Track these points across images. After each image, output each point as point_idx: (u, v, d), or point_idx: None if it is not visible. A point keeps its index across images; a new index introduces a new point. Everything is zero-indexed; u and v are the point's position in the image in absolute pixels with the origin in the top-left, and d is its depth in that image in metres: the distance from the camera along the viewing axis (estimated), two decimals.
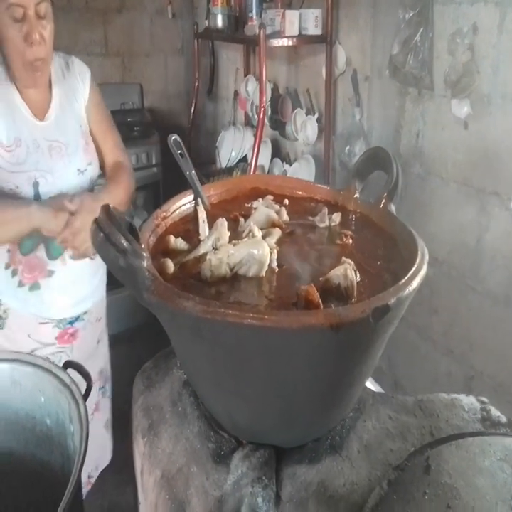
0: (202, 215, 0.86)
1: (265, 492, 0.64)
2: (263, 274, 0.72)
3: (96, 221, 0.62)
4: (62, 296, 1.50)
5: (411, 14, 1.77)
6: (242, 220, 0.86)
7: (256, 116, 2.49)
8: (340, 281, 0.67)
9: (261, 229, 0.81)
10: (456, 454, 0.58)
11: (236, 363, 0.63)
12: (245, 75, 2.96)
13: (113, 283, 1.60)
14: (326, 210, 0.89)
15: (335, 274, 0.67)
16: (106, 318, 1.71)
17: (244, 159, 2.90)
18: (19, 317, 1.48)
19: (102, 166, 1.56)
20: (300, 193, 0.98)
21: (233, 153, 2.92)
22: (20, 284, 1.44)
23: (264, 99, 2.24)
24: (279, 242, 0.80)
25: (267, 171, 2.63)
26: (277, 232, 0.83)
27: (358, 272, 0.69)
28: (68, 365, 0.96)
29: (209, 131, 3.60)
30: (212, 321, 0.57)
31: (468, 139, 1.68)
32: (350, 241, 0.82)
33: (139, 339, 2.07)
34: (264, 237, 0.79)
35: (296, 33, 2.24)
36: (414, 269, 0.66)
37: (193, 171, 0.93)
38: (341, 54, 2.23)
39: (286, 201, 0.94)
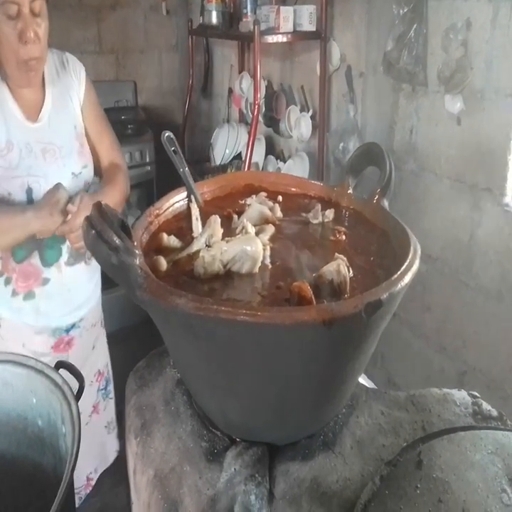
0: (195, 212, 0.86)
1: (258, 490, 0.64)
2: (256, 270, 0.72)
3: (88, 218, 0.62)
4: (57, 305, 1.46)
5: (405, 10, 1.77)
6: (235, 216, 0.86)
7: (250, 114, 2.48)
8: (333, 277, 0.67)
9: (254, 225, 0.81)
10: (447, 449, 0.58)
11: (229, 360, 0.63)
12: (240, 72, 2.95)
13: (108, 282, 1.59)
14: (319, 206, 0.89)
15: (328, 270, 0.67)
16: (103, 320, 1.68)
17: (238, 156, 2.90)
18: (13, 327, 1.43)
19: (96, 167, 1.52)
20: (294, 189, 0.98)
21: (227, 151, 2.92)
22: (14, 293, 1.40)
23: (259, 96, 2.23)
24: (272, 239, 0.80)
25: (261, 168, 2.62)
26: (270, 229, 0.83)
27: (350, 268, 0.69)
28: (60, 365, 0.95)
29: (203, 128, 3.59)
30: (205, 318, 0.57)
31: (462, 135, 1.68)
32: (344, 237, 0.82)
33: (134, 338, 2.06)
34: (257, 233, 0.79)
35: (291, 29, 2.23)
36: (406, 264, 0.66)
37: (187, 169, 0.93)
38: (336, 50, 2.23)
39: (280, 198, 0.94)
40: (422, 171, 1.86)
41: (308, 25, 2.22)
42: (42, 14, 1.26)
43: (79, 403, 1.54)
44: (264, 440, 0.71)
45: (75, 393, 0.87)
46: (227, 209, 0.89)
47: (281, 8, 2.21)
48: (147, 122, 3.31)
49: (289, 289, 0.64)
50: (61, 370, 0.94)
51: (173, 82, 3.71)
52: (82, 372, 1.52)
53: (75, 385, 0.92)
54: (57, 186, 1.28)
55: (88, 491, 1.67)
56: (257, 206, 0.88)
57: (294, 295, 0.63)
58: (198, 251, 0.74)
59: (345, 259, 0.69)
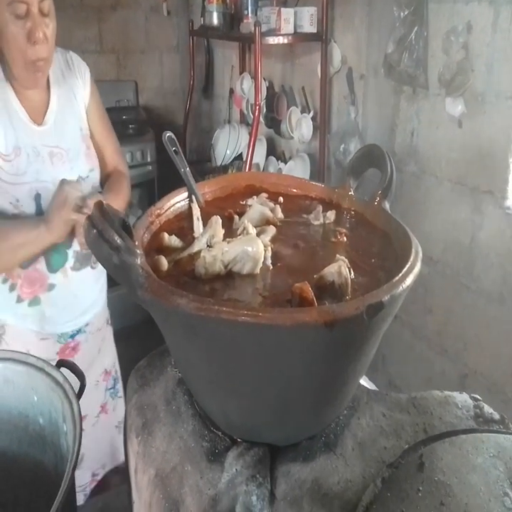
0: (196, 212, 0.86)
1: (259, 490, 0.64)
2: (257, 271, 0.71)
3: (89, 218, 0.62)
4: (63, 311, 1.44)
5: (406, 13, 1.78)
6: (236, 217, 0.86)
7: (251, 114, 2.49)
8: (335, 279, 0.67)
9: (255, 226, 0.81)
10: (449, 451, 0.58)
11: (230, 361, 0.63)
12: (240, 73, 2.96)
13: (109, 281, 1.59)
14: (320, 207, 0.89)
15: (329, 271, 0.67)
16: (109, 319, 1.67)
17: (239, 157, 2.90)
18: (18, 333, 1.41)
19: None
20: (295, 190, 0.98)
21: (228, 151, 2.92)
22: (19, 299, 1.38)
23: (260, 97, 2.24)
24: (273, 240, 0.80)
25: (262, 169, 2.63)
26: (272, 230, 0.82)
27: (352, 270, 0.69)
28: (61, 363, 0.95)
29: (204, 129, 3.60)
30: (206, 318, 0.56)
31: (463, 138, 1.68)
32: (345, 239, 0.82)
33: (135, 337, 2.06)
34: (258, 234, 0.79)
35: (292, 31, 2.24)
36: (408, 266, 0.66)
37: (188, 169, 0.93)
38: (336, 52, 2.23)
39: (281, 199, 0.94)
40: (423, 173, 1.86)
41: (309, 27, 2.23)
42: (50, 14, 1.25)
43: (86, 404, 1.55)
44: (266, 441, 0.71)
45: (76, 391, 0.87)
46: (228, 210, 0.89)
47: (282, 9, 2.22)
48: (148, 122, 3.31)
49: (290, 290, 0.64)
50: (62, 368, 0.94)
51: (174, 82, 3.71)
52: (87, 373, 1.52)
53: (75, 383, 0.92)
54: (61, 183, 1.25)
55: (93, 487, 1.67)
56: (258, 207, 0.88)
57: (295, 296, 0.63)
58: (199, 251, 0.73)
59: (346, 260, 0.69)
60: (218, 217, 0.80)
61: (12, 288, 1.37)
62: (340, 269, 0.67)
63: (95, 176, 1.44)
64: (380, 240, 0.80)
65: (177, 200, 0.90)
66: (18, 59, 1.24)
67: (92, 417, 1.60)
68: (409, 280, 0.64)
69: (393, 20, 1.82)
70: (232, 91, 3.14)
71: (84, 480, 1.62)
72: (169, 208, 0.87)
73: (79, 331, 1.50)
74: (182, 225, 0.85)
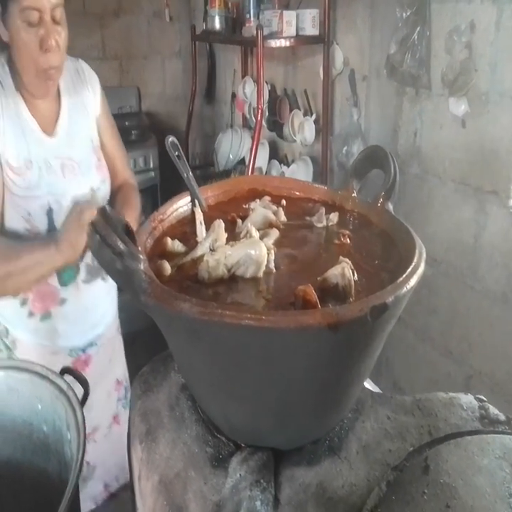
0: (199, 216, 0.86)
1: (264, 495, 0.64)
2: (261, 274, 0.71)
3: (92, 223, 0.62)
4: (75, 325, 1.43)
5: (408, 13, 1.77)
6: (239, 221, 0.86)
7: (254, 118, 2.49)
8: (338, 281, 0.66)
9: (258, 230, 0.81)
10: (454, 453, 0.57)
11: (233, 365, 0.63)
12: (243, 77, 2.96)
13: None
14: (323, 210, 0.89)
15: (332, 273, 0.67)
16: (119, 327, 1.65)
17: (242, 161, 2.91)
18: (29, 348, 1.39)
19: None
20: (297, 193, 0.98)
21: (231, 156, 2.93)
22: (31, 314, 1.37)
23: (262, 100, 2.24)
24: (276, 243, 0.79)
25: (264, 173, 2.63)
26: (275, 233, 0.82)
27: (355, 271, 0.69)
28: (65, 371, 0.95)
29: (207, 133, 3.60)
30: (210, 322, 0.56)
31: (466, 138, 1.68)
32: (348, 240, 0.81)
33: (140, 343, 2.06)
34: (261, 237, 0.79)
35: (294, 33, 2.24)
36: (411, 267, 0.66)
37: (190, 173, 0.93)
38: (339, 54, 2.23)
39: (284, 202, 0.94)
40: (426, 174, 1.86)
41: (311, 30, 2.23)
42: (62, 22, 1.23)
43: (98, 415, 1.55)
44: (269, 445, 0.71)
45: (79, 399, 0.87)
46: (231, 213, 0.89)
47: (284, 12, 2.22)
48: (151, 128, 3.32)
49: (294, 292, 0.64)
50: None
51: (177, 87, 3.72)
52: (99, 384, 1.51)
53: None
54: (74, 203, 1.20)
55: (105, 497, 1.65)
56: (260, 210, 0.88)
57: (298, 299, 0.63)
58: (202, 255, 0.73)
59: (349, 262, 0.69)
60: (221, 221, 0.80)
61: (23, 303, 1.36)
62: (343, 271, 0.67)
63: (106, 188, 1.42)
64: (384, 242, 0.80)
65: (180, 205, 0.90)
66: (29, 67, 1.22)
67: (104, 428, 1.59)
68: (413, 281, 0.63)
69: (395, 21, 1.81)
70: (234, 95, 3.14)
71: (96, 490, 1.61)
72: (172, 213, 0.88)
73: (91, 344, 1.49)
74: (185, 229, 0.85)
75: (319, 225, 0.87)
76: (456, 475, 0.54)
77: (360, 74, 2.15)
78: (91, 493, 1.59)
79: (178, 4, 3.56)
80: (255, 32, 2.14)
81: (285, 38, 2.22)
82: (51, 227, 1.29)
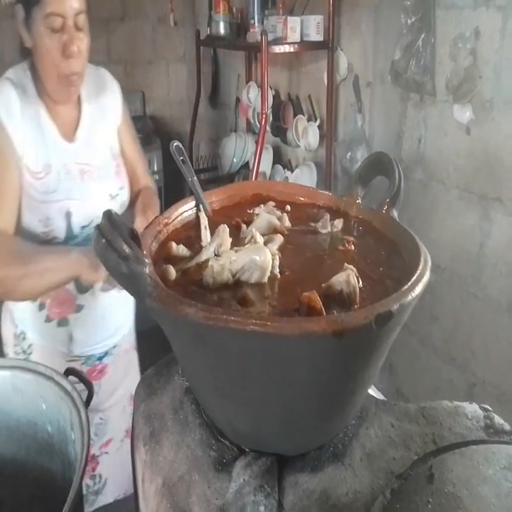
0: (204, 221, 0.86)
1: (267, 501, 0.63)
2: (265, 280, 0.71)
3: (98, 227, 0.62)
4: (91, 332, 1.42)
5: (413, 19, 1.78)
6: (244, 226, 0.86)
7: (258, 123, 2.50)
8: (343, 288, 0.66)
9: (263, 235, 0.81)
10: (459, 463, 0.57)
11: (238, 370, 0.63)
12: (247, 82, 2.97)
13: None
14: (328, 216, 0.89)
15: (337, 280, 0.67)
16: (136, 344, 1.64)
17: (245, 166, 2.91)
18: (45, 354, 1.40)
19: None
20: (302, 199, 0.98)
21: (235, 160, 2.93)
22: (48, 319, 1.37)
23: (266, 105, 2.24)
24: (281, 249, 0.79)
25: (268, 178, 2.63)
26: (279, 239, 0.82)
27: (360, 278, 0.68)
28: (69, 372, 0.96)
29: (211, 138, 3.61)
30: (215, 327, 0.56)
31: (471, 145, 1.68)
32: (353, 247, 0.81)
33: (143, 346, 2.06)
34: (265, 243, 0.79)
35: (298, 39, 2.25)
36: (417, 275, 0.66)
37: (195, 178, 0.93)
38: (343, 60, 2.24)
39: (288, 207, 0.94)
40: (431, 180, 1.86)
41: (315, 35, 2.24)
42: (84, 29, 1.25)
43: (112, 428, 1.55)
44: (273, 451, 0.71)
45: (84, 400, 0.87)
46: (235, 218, 0.89)
47: (289, 18, 2.23)
48: (155, 132, 3.34)
49: (299, 299, 0.64)
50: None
51: (181, 92, 3.74)
52: (114, 396, 1.51)
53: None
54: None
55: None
56: (265, 216, 0.88)
57: (303, 305, 0.63)
58: (207, 260, 0.73)
59: (354, 269, 0.68)
60: (225, 226, 0.80)
61: (41, 307, 1.37)
62: (348, 277, 0.66)
63: (125, 195, 1.42)
64: (388, 249, 0.80)
65: (184, 209, 0.90)
66: (51, 73, 1.23)
67: (117, 441, 1.59)
68: (418, 289, 0.63)
69: (400, 27, 1.82)
70: (238, 100, 3.15)
71: (105, 502, 1.60)
72: (177, 217, 0.88)
73: (106, 354, 1.49)
74: (189, 234, 0.85)
75: (324, 231, 0.87)
76: (461, 485, 0.54)
77: (365, 80, 2.15)
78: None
79: (183, 9, 3.57)
80: (260, 37, 2.15)
81: (289, 43, 2.23)
82: (69, 232, 1.29)
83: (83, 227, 1.30)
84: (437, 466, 0.57)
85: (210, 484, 0.69)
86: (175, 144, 0.93)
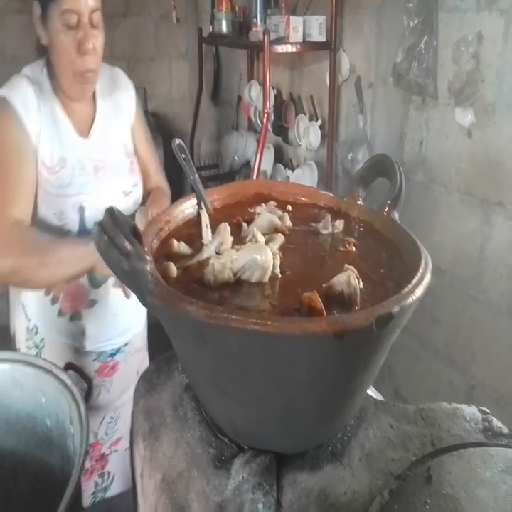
0: (205, 219, 0.86)
1: (266, 498, 0.64)
2: (266, 279, 0.71)
3: (100, 224, 0.62)
4: (103, 328, 1.43)
5: (415, 22, 1.77)
6: (245, 225, 0.86)
7: (259, 122, 2.49)
8: (344, 288, 0.66)
9: (264, 234, 0.81)
10: (457, 465, 0.57)
11: (238, 368, 0.63)
12: (249, 80, 2.97)
13: None
14: (329, 216, 0.89)
15: (338, 281, 0.67)
16: (147, 345, 1.65)
17: (247, 164, 2.91)
18: (57, 348, 1.40)
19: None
20: (303, 199, 0.98)
21: (236, 158, 2.93)
22: (61, 313, 1.38)
23: (268, 104, 2.24)
24: (282, 248, 0.80)
25: (269, 177, 2.63)
26: (280, 238, 0.82)
27: (361, 280, 0.69)
28: (68, 366, 0.96)
29: (212, 135, 3.61)
30: (216, 325, 0.56)
31: (472, 148, 1.68)
32: (353, 248, 0.82)
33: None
34: (267, 242, 0.79)
35: (301, 39, 2.25)
36: (418, 277, 0.66)
37: (197, 176, 0.93)
38: (345, 61, 2.24)
39: (290, 207, 0.94)
40: (432, 183, 1.86)
41: (317, 36, 2.23)
42: (99, 26, 1.26)
43: (125, 426, 1.55)
44: (272, 449, 0.71)
45: (83, 394, 0.88)
46: (236, 217, 0.89)
47: (291, 18, 2.22)
48: (157, 128, 3.33)
49: (299, 299, 0.64)
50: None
51: (183, 89, 3.73)
52: (125, 395, 1.52)
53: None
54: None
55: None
56: (266, 215, 0.88)
57: (304, 305, 0.63)
58: (208, 258, 0.74)
59: (355, 270, 0.69)
60: (227, 224, 0.80)
61: (54, 301, 1.37)
62: (349, 278, 0.66)
63: (138, 192, 1.44)
64: (389, 250, 0.80)
65: (186, 207, 0.90)
66: (67, 70, 1.25)
67: (127, 440, 1.60)
68: (419, 291, 0.63)
69: (402, 30, 1.82)
70: (239, 98, 3.15)
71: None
72: (178, 215, 0.88)
73: (118, 351, 1.49)
74: (191, 231, 0.85)
75: (325, 232, 0.87)
76: (459, 487, 0.54)
77: (367, 81, 2.15)
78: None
79: (185, 7, 3.57)
80: (262, 37, 2.14)
81: (292, 43, 2.23)
82: (82, 226, 1.31)
83: (96, 222, 1.31)
84: (435, 468, 0.57)
85: (209, 481, 0.69)
86: (177, 141, 0.93)
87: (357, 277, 0.68)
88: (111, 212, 0.64)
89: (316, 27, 2.22)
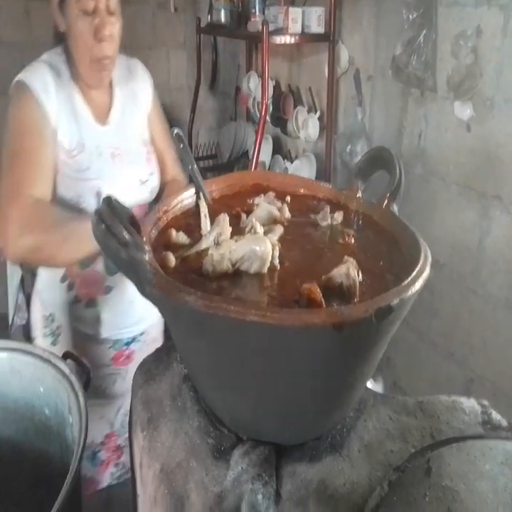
0: (204, 209, 0.85)
1: (265, 489, 0.64)
2: (265, 270, 0.71)
3: (98, 212, 0.62)
4: (119, 316, 1.43)
5: (415, 15, 1.76)
6: (243, 215, 0.86)
7: (257, 113, 2.48)
8: (343, 280, 0.66)
9: (263, 225, 0.81)
10: (457, 457, 0.57)
11: (236, 359, 0.63)
12: (247, 71, 2.95)
13: None
14: (328, 208, 0.88)
15: (337, 272, 0.66)
16: (163, 337, 1.64)
17: (245, 155, 2.89)
18: (73, 335, 1.40)
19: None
20: (302, 190, 0.98)
21: (234, 149, 2.91)
22: (76, 300, 1.38)
23: (267, 95, 2.23)
24: (280, 239, 0.79)
25: (267, 168, 2.62)
26: (279, 229, 0.82)
27: (360, 272, 0.68)
28: (67, 355, 0.95)
29: (210, 126, 3.59)
30: (215, 316, 0.56)
31: (471, 142, 1.68)
32: (352, 240, 0.81)
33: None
34: (265, 233, 0.78)
35: (299, 30, 2.23)
36: (417, 270, 0.66)
37: (195, 166, 0.92)
38: (344, 53, 2.22)
39: (288, 198, 0.94)
40: (431, 176, 1.85)
41: (316, 27, 2.22)
42: (116, 13, 1.27)
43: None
44: (271, 440, 0.71)
45: (82, 384, 0.87)
46: (235, 208, 0.88)
47: (290, 9, 2.20)
48: None
49: (299, 290, 0.63)
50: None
51: (181, 79, 3.70)
52: None
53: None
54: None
55: None
56: (265, 206, 0.88)
57: (303, 297, 0.62)
58: (207, 249, 0.73)
59: (354, 261, 0.68)
60: (226, 214, 0.80)
61: (70, 287, 1.37)
62: (348, 270, 0.66)
63: (155, 180, 1.43)
64: (388, 243, 0.80)
65: (184, 197, 0.89)
66: (84, 56, 1.25)
67: None
68: (418, 284, 0.63)
69: (402, 23, 1.80)
70: (238, 88, 3.13)
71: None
72: (176, 205, 0.87)
73: (134, 340, 1.48)
74: (189, 221, 0.85)
75: (324, 224, 0.87)
76: (458, 479, 0.54)
77: (366, 73, 2.14)
78: None
79: None
80: (261, 27, 2.12)
81: (290, 34, 2.21)
82: None
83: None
84: (435, 460, 0.57)
85: (207, 471, 0.69)
86: (175, 131, 0.92)
87: (356, 269, 0.67)
88: (109, 201, 0.63)
89: (314, 18, 2.21)
